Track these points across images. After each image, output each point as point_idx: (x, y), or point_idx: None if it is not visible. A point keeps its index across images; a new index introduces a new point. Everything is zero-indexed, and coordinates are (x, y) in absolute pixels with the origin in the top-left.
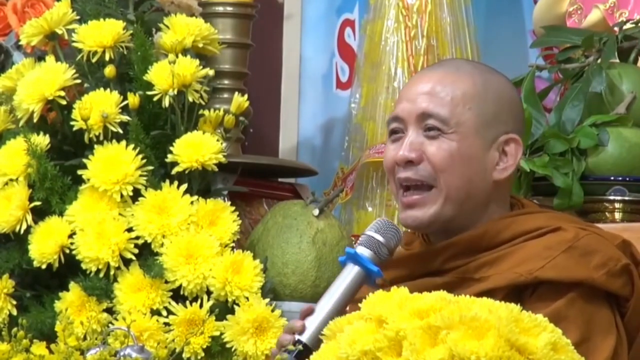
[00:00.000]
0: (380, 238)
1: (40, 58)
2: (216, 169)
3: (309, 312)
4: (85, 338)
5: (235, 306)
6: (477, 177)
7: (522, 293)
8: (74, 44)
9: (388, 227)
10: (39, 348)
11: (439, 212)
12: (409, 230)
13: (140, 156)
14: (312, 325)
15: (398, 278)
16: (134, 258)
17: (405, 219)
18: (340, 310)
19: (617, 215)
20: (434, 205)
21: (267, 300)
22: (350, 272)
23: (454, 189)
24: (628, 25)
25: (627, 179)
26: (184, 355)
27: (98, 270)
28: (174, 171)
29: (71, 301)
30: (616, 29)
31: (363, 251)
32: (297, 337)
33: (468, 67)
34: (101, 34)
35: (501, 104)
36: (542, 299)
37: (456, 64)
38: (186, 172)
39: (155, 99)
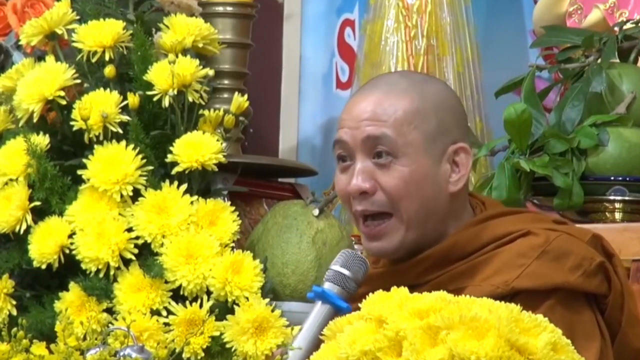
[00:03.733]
0: (346, 272)
1: (40, 58)
2: (216, 169)
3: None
4: (85, 338)
5: (235, 306)
6: (433, 195)
7: None
8: (74, 44)
9: (354, 259)
10: (39, 348)
11: (402, 240)
12: None
13: (140, 156)
14: None
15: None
16: (133, 258)
17: (371, 249)
18: (313, 351)
19: (617, 215)
20: (397, 233)
21: (267, 300)
22: (320, 311)
23: (414, 213)
24: (628, 25)
25: (627, 179)
26: (183, 355)
27: (98, 270)
28: (174, 171)
29: (71, 301)
30: (616, 29)
31: (330, 287)
32: None
33: (402, 83)
34: (101, 34)
35: (442, 114)
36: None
37: (391, 81)
38: (186, 172)
39: (155, 99)
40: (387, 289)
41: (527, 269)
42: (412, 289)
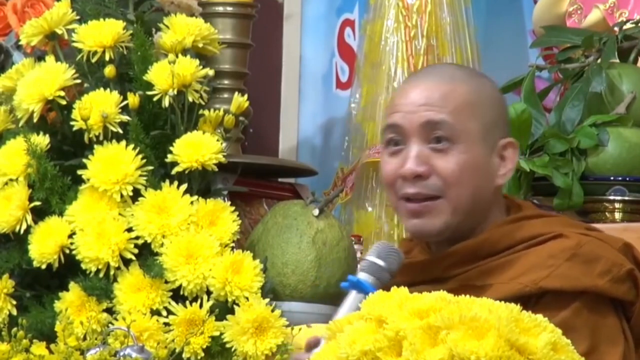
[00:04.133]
0: (381, 263)
1: (40, 58)
2: (216, 169)
3: (315, 344)
4: (85, 338)
5: (235, 306)
6: (483, 186)
7: (526, 302)
8: (74, 44)
9: (389, 250)
10: (39, 348)
11: (448, 222)
12: (407, 238)
13: (140, 156)
14: None
15: (399, 285)
16: (134, 258)
17: (412, 227)
18: None
19: (617, 215)
20: (443, 215)
21: (267, 300)
22: (354, 300)
23: (464, 200)
24: (628, 25)
25: (627, 179)
26: (183, 355)
27: (98, 270)
28: (174, 171)
29: (71, 301)
30: (616, 29)
31: (365, 277)
32: None
33: (460, 73)
34: (101, 34)
35: (497, 109)
36: (548, 309)
37: (447, 70)
38: (186, 172)
39: (155, 99)
40: (415, 282)
41: (556, 270)
42: (439, 282)
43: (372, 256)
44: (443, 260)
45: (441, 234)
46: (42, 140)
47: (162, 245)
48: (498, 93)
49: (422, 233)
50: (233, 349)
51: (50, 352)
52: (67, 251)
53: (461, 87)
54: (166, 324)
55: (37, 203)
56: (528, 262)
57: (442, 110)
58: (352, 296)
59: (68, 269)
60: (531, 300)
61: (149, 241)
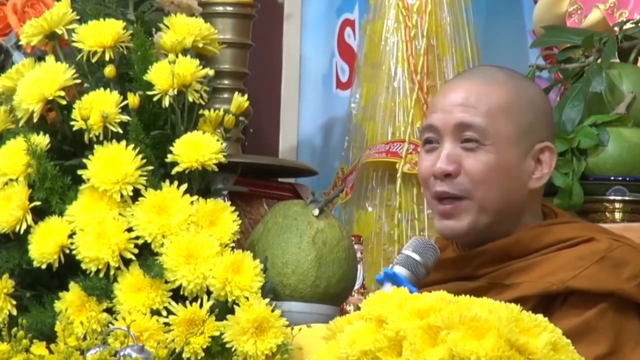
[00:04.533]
0: (417, 257)
1: (40, 58)
2: (216, 169)
3: None
4: (85, 338)
5: (235, 306)
6: (514, 187)
7: (552, 302)
8: (74, 44)
9: (425, 246)
10: (39, 348)
11: (474, 222)
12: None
13: (140, 156)
14: None
15: (431, 282)
16: (134, 258)
17: (442, 229)
18: None
19: (617, 215)
20: (469, 215)
21: (267, 300)
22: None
23: (490, 200)
24: (628, 25)
25: (627, 179)
26: (184, 355)
27: (98, 270)
28: (174, 171)
29: (71, 301)
30: (616, 29)
31: (401, 271)
32: None
33: (501, 76)
34: (101, 34)
35: (535, 113)
36: (573, 309)
37: (488, 72)
38: (186, 172)
39: (155, 99)
40: (445, 279)
41: (584, 271)
42: (469, 280)
43: (409, 250)
44: (474, 259)
45: (468, 234)
46: (42, 140)
47: (162, 245)
48: (542, 98)
49: (449, 234)
50: (233, 349)
51: (50, 352)
52: (67, 251)
53: (499, 89)
54: (166, 324)
55: (37, 203)
56: (557, 262)
57: (476, 112)
58: (387, 289)
59: (68, 269)
60: (558, 299)
61: (149, 241)
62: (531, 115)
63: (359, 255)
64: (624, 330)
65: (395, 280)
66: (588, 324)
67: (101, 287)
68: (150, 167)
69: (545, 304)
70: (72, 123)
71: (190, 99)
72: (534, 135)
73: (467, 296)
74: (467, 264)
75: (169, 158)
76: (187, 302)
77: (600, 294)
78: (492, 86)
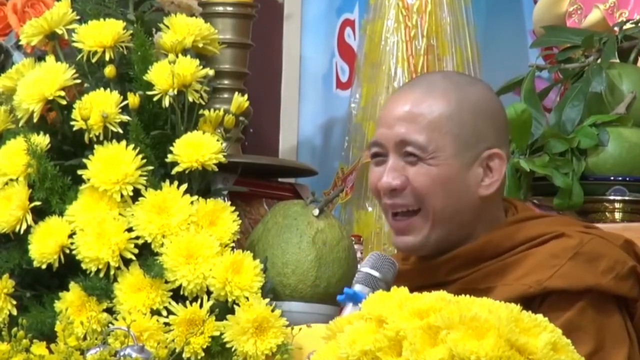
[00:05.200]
0: (376, 274)
1: (40, 58)
2: (216, 169)
3: None
4: (85, 338)
5: (235, 306)
6: (461, 197)
7: (530, 304)
8: (74, 44)
9: (383, 261)
10: (39, 348)
11: (427, 236)
12: None
13: (140, 156)
14: None
15: None
16: (134, 258)
17: (397, 244)
18: None
19: (617, 215)
20: (423, 229)
21: (267, 300)
22: (350, 313)
23: (439, 211)
24: (628, 25)
25: (627, 179)
26: (184, 355)
27: (98, 270)
28: (174, 171)
29: (71, 301)
30: (616, 29)
31: (361, 289)
32: None
33: (442, 85)
34: (101, 34)
35: (479, 120)
36: (553, 310)
37: (430, 82)
38: (186, 172)
39: (155, 99)
40: (417, 286)
41: (560, 270)
42: (443, 286)
43: (367, 267)
44: (445, 265)
45: (424, 248)
46: (42, 140)
47: (162, 245)
48: (489, 103)
49: (406, 249)
50: (233, 349)
51: (50, 352)
52: (67, 251)
53: (439, 99)
54: (166, 324)
55: (37, 203)
56: (531, 263)
57: (415, 128)
58: (349, 309)
59: (68, 269)
60: (536, 301)
61: (149, 241)
62: (474, 124)
63: (359, 255)
64: (606, 326)
65: (356, 299)
66: (570, 323)
67: (101, 287)
68: (150, 167)
69: (523, 306)
70: (72, 123)
71: (190, 99)
72: (480, 143)
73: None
74: (437, 270)
75: (169, 158)
76: (187, 302)
77: (578, 291)
78: (432, 97)
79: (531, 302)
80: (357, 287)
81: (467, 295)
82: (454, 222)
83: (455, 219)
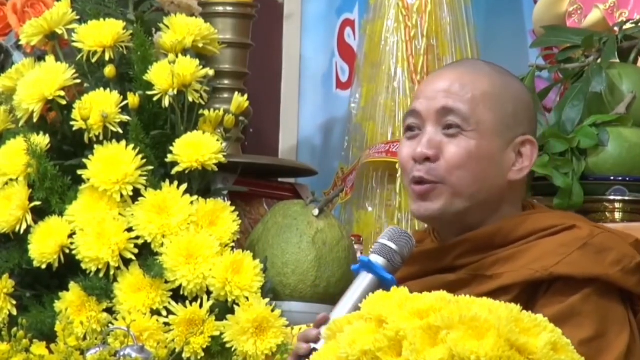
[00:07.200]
0: (393, 246)
1: (40, 58)
2: (216, 169)
3: (323, 321)
4: (85, 338)
5: (235, 306)
6: (492, 176)
7: (537, 289)
8: (74, 44)
9: (401, 235)
10: (39, 348)
11: (448, 205)
12: (420, 229)
13: (140, 156)
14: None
15: (409, 276)
16: (134, 258)
17: (417, 209)
18: None
19: (617, 215)
20: (443, 198)
21: (267, 300)
22: (364, 280)
23: (465, 185)
24: (628, 25)
25: (627, 179)
26: (184, 355)
27: (98, 270)
28: (174, 171)
29: (71, 301)
30: (616, 29)
31: (377, 259)
32: (312, 346)
33: (486, 68)
34: (101, 34)
35: (519, 106)
36: (557, 295)
37: (474, 64)
38: (186, 172)
39: (155, 99)
40: (426, 270)
41: (567, 258)
42: (450, 271)
43: (385, 239)
44: (454, 249)
45: (442, 216)
46: (42, 140)
47: (162, 245)
48: (526, 93)
49: (423, 214)
50: (233, 349)
51: (50, 352)
52: (67, 251)
53: (484, 78)
54: (166, 324)
55: (37, 203)
56: (540, 250)
57: (459, 98)
58: (363, 277)
59: (68, 269)
60: (542, 287)
61: (149, 241)
62: (515, 108)
63: (359, 255)
64: (609, 316)
65: (371, 268)
66: (573, 308)
67: (101, 287)
68: (150, 167)
69: (530, 292)
70: (72, 123)
71: (190, 99)
72: (517, 128)
73: (447, 289)
74: (447, 255)
75: (169, 158)
76: (187, 302)
77: (584, 279)
78: (477, 75)
79: (538, 288)
80: (373, 257)
81: (474, 282)
82: (476, 200)
83: (478, 197)
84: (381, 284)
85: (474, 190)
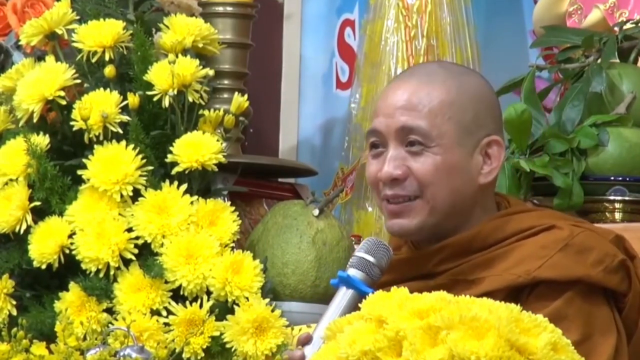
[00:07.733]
0: (371, 258)
1: (40, 58)
2: (216, 169)
3: (306, 341)
4: (85, 338)
5: (235, 306)
6: (463, 185)
7: (519, 294)
8: (74, 44)
9: (378, 246)
10: (39, 348)
11: (424, 221)
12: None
13: (140, 156)
14: (311, 353)
15: (388, 282)
16: (134, 258)
17: (392, 226)
18: None
19: (617, 215)
20: (420, 214)
21: (267, 300)
22: (344, 296)
23: (440, 200)
24: (628, 25)
25: (627, 179)
26: (184, 355)
27: (98, 270)
28: (174, 171)
29: (71, 301)
30: (616, 29)
31: (355, 273)
32: None
33: (441, 73)
34: (101, 34)
35: (479, 107)
36: (541, 299)
37: (428, 71)
38: (186, 172)
39: (155, 99)
40: (407, 277)
41: (549, 260)
42: (430, 277)
43: (361, 252)
44: (433, 255)
45: (418, 233)
46: (42, 140)
47: (162, 245)
48: (485, 90)
49: (400, 232)
50: (233, 349)
51: (50, 352)
52: (67, 251)
53: (440, 86)
54: (166, 324)
55: (37, 203)
56: (520, 253)
57: (417, 115)
58: (342, 292)
59: (68, 269)
60: (525, 291)
61: (149, 241)
62: (475, 111)
63: None
64: (594, 317)
65: (349, 283)
66: (557, 312)
67: (101, 287)
68: (150, 167)
69: (513, 296)
70: (72, 123)
71: (190, 99)
72: (480, 130)
73: (437, 292)
74: (426, 261)
75: (169, 158)
76: (187, 302)
77: (567, 281)
78: (432, 85)
79: (520, 292)
80: (351, 272)
81: (455, 287)
82: (451, 210)
83: (454, 207)
84: (361, 298)
85: (449, 204)
